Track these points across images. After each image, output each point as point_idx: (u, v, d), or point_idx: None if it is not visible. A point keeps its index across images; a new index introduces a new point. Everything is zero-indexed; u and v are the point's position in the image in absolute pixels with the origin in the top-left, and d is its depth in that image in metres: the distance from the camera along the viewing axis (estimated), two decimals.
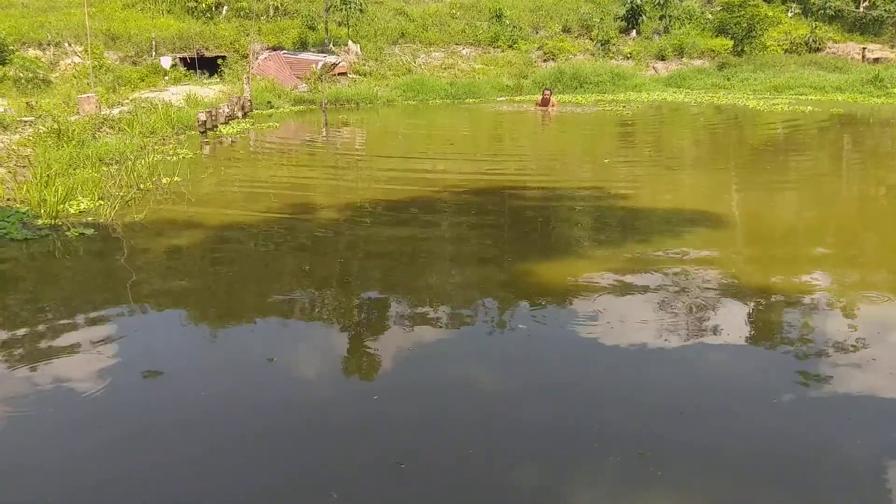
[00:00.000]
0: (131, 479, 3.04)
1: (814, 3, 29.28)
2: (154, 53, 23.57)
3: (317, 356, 4.21)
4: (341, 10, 25.69)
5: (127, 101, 16.78)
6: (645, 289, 5.08)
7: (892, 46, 27.57)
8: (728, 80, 24.70)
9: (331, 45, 25.07)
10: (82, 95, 14.85)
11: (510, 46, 27.44)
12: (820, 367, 3.93)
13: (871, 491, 2.90)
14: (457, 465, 3.10)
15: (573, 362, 4.11)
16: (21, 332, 4.52)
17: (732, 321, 4.54)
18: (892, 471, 3.02)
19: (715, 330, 4.41)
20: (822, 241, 6.67)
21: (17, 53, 20.94)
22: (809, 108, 18.27)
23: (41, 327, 4.58)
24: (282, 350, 4.29)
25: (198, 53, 24.03)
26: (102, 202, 7.63)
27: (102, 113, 14.14)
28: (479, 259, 6.05)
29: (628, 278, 5.31)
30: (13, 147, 10.11)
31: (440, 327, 4.60)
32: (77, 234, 6.59)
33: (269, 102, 19.89)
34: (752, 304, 4.84)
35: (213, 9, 26.03)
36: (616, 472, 3.00)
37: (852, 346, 4.16)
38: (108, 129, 12.91)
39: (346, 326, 4.63)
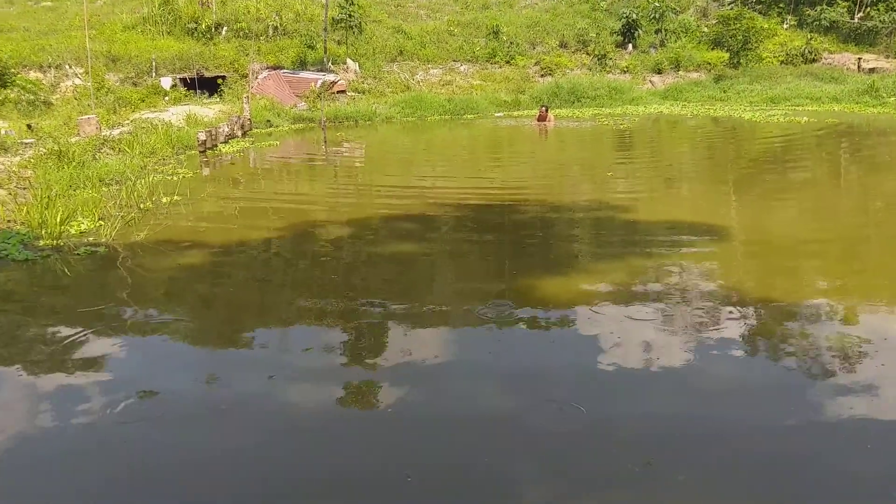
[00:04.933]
0: (135, 493, 3.03)
1: (809, 15, 29.52)
2: (154, 74, 23.74)
3: (319, 373, 4.20)
4: (340, 29, 25.93)
5: (127, 121, 16.88)
6: (649, 303, 5.08)
7: (888, 56, 27.74)
8: (724, 92, 24.82)
9: (329, 64, 25.25)
10: (83, 117, 14.95)
11: (507, 62, 27.64)
12: (826, 379, 3.92)
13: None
14: (465, 478, 3.08)
15: (579, 376, 4.10)
16: (24, 348, 4.52)
17: (737, 336, 4.53)
18: None
19: (719, 344, 4.40)
20: (823, 253, 6.67)
21: (18, 76, 21.08)
22: (806, 118, 18.34)
23: (45, 344, 4.58)
24: (283, 367, 4.28)
25: (198, 74, 24.20)
26: (103, 222, 7.66)
27: (103, 134, 14.22)
28: (481, 275, 6.05)
29: (632, 293, 5.32)
30: (14, 169, 10.15)
31: (443, 342, 4.59)
32: (87, 251, 6.63)
33: (268, 121, 20.00)
34: (757, 318, 4.83)
35: (213, 29, 26.25)
36: (625, 482, 2.99)
37: (857, 358, 4.14)
38: (108, 150, 12.97)
39: (349, 342, 4.62)
